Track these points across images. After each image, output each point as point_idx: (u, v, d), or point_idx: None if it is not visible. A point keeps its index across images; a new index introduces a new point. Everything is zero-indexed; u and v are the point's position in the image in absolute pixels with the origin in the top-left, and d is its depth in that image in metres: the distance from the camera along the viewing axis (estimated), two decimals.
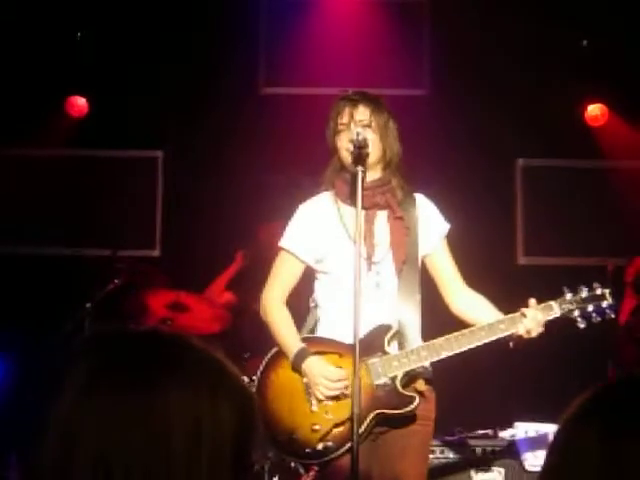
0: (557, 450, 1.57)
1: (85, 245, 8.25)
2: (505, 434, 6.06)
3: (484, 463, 5.88)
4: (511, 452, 5.94)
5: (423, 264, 4.22)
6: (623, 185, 8.13)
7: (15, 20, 7.89)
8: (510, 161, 8.44)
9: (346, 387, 3.92)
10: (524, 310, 3.83)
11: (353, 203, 3.88)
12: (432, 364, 4.12)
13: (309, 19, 8.33)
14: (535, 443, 5.90)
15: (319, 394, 3.95)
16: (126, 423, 1.32)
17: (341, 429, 3.93)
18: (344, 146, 3.99)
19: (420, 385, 4.01)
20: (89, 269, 7.48)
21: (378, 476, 3.99)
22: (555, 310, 3.83)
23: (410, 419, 3.95)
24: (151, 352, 1.40)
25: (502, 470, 5.88)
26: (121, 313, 6.96)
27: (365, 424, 3.87)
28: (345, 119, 4.04)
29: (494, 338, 3.86)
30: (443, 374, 4.31)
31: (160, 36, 8.18)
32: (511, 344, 3.91)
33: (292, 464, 5.85)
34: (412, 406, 3.90)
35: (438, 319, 4.11)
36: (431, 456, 5.80)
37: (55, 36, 8.10)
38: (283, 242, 4.18)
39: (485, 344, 3.96)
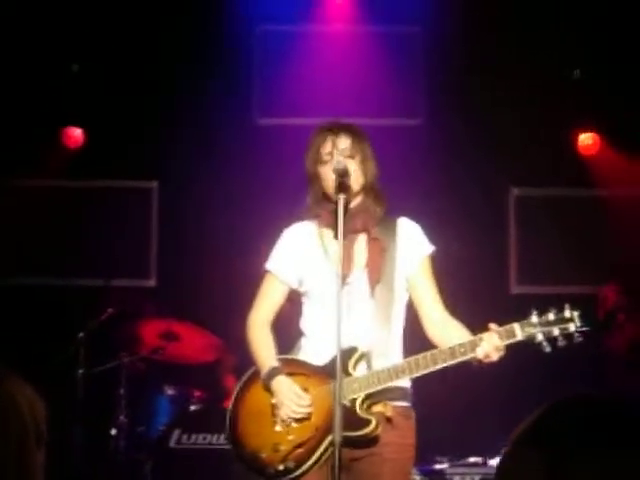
0: (504, 473, 1.58)
1: (79, 275, 8.29)
2: (495, 462, 6.04)
3: None
4: None
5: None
6: (616, 213, 8.16)
7: (12, 52, 7.97)
8: (504, 190, 8.48)
9: (309, 410, 3.96)
10: (482, 335, 3.79)
11: (334, 228, 3.96)
12: (419, 392, 4.13)
13: (304, 50, 8.40)
14: None
15: (283, 414, 4.00)
16: None
17: (301, 450, 3.95)
18: (329, 177, 4.02)
19: (388, 410, 3.95)
20: (83, 299, 7.52)
21: None
22: (517, 334, 3.74)
23: (371, 442, 3.90)
24: None
25: None
26: (114, 342, 7.00)
27: (322, 447, 3.90)
28: (328, 149, 4.09)
29: (455, 362, 3.79)
30: (432, 402, 4.29)
31: (156, 68, 8.26)
32: (474, 368, 3.87)
33: None
34: (368, 429, 3.84)
35: (427, 342, 4.10)
36: None
37: (51, 68, 8.18)
38: (267, 264, 4.27)
39: (477, 371, 3.92)
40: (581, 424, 1.54)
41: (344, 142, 4.08)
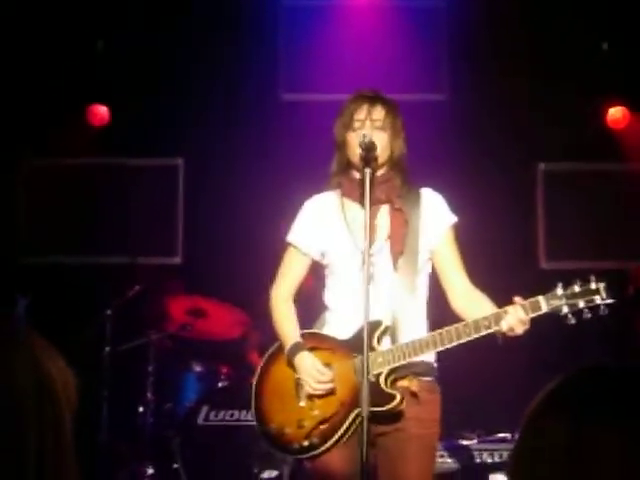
0: (524, 443, 1.54)
1: (106, 253, 8.29)
2: None
3: (502, 467, 5.85)
4: None
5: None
6: None
7: (36, 30, 7.97)
8: (532, 165, 8.41)
9: (332, 383, 3.94)
10: (507, 308, 3.74)
11: (357, 200, 3.98)
12: (447, 365, 4.10)
13: (328, 25, 8.35)
14: None
15: (307, 390, 3.98)
16: None
17: (326, 426, 3.93)
18: (357, 145, 3.96)
19: (413, 385, 3.93)
20: (109, 277, 7.53)
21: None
22: (542, 306, 3.69)
23: (395, 417, 3.88)
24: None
25: None
26: (141, 319, 7.01)
27: (347, 422, 3.89)
28: (362, 116, 4.04)
29: (479, 335, 3.76)
30: (461, 376, 4.24)
31: (180, 44, 8.24)
32: (499, 341, 3.84)
33: None
34: (392, 404, 3.81)
35: (451, 314, 4.07)
36: (449, 460, 5.81)
37: (76, 46, 8.17)
38: (288, 236, 4.23)
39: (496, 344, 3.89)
40: (600, 394, 1.51)
41: (379, 113, 4.03)
